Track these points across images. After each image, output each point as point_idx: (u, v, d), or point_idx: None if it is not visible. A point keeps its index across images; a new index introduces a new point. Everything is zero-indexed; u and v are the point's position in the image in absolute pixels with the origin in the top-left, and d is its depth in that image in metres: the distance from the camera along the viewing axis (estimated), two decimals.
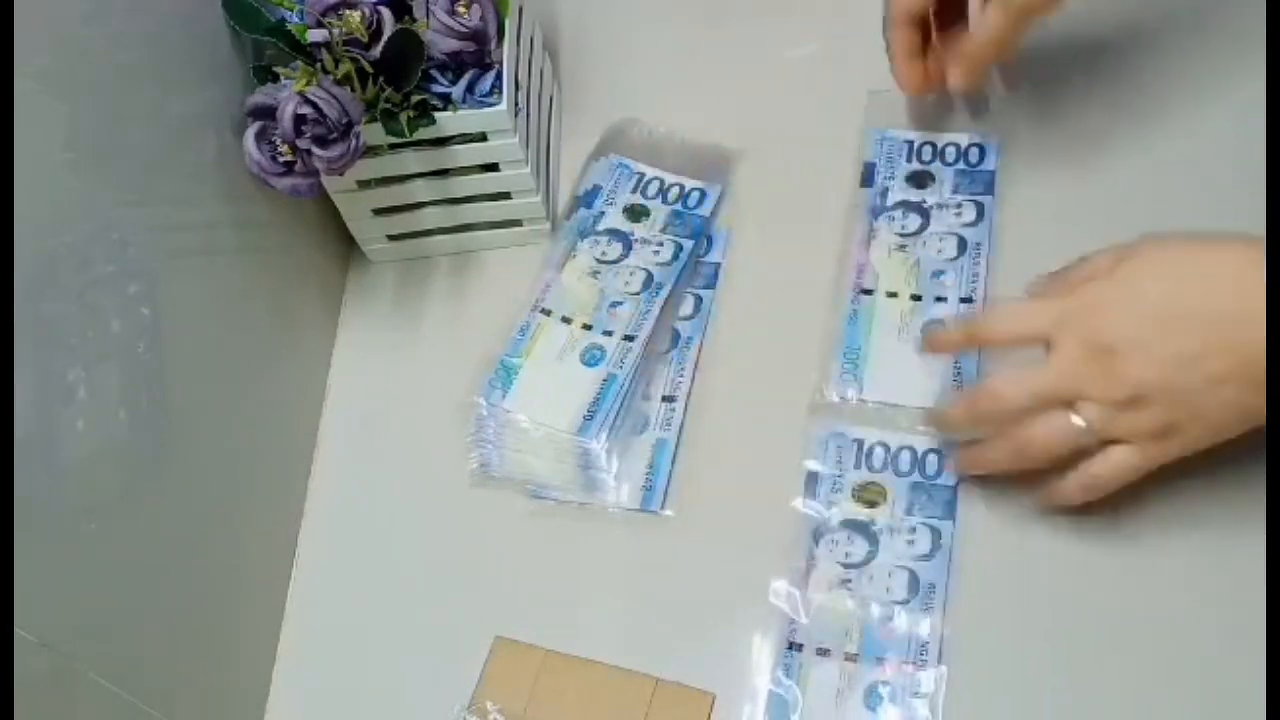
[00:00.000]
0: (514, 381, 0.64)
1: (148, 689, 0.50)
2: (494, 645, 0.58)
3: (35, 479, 0.44)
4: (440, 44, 0.63)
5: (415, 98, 0.62)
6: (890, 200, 0.68)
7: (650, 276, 0.67)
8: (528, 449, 0.63)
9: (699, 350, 0.65)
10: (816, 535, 0.58)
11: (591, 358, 0.65)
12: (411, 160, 0.65)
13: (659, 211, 0.71)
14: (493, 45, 0.64)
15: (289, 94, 0.57)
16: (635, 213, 0.71)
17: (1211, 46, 0.69)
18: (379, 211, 0.69)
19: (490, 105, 0.64)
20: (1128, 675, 0.52)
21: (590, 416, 0.62)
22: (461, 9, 0.63)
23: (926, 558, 0.56)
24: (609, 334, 0.65)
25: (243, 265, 0.63)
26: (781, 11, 0.78)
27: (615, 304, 0.67)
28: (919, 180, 0.68)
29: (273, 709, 0.59)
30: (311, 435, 0.67)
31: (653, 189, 0.72)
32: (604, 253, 0.69)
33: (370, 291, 0.73)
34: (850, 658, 0.54)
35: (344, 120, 0.58)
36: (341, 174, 0.60)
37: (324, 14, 0.59)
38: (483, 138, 0.65)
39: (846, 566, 0.57)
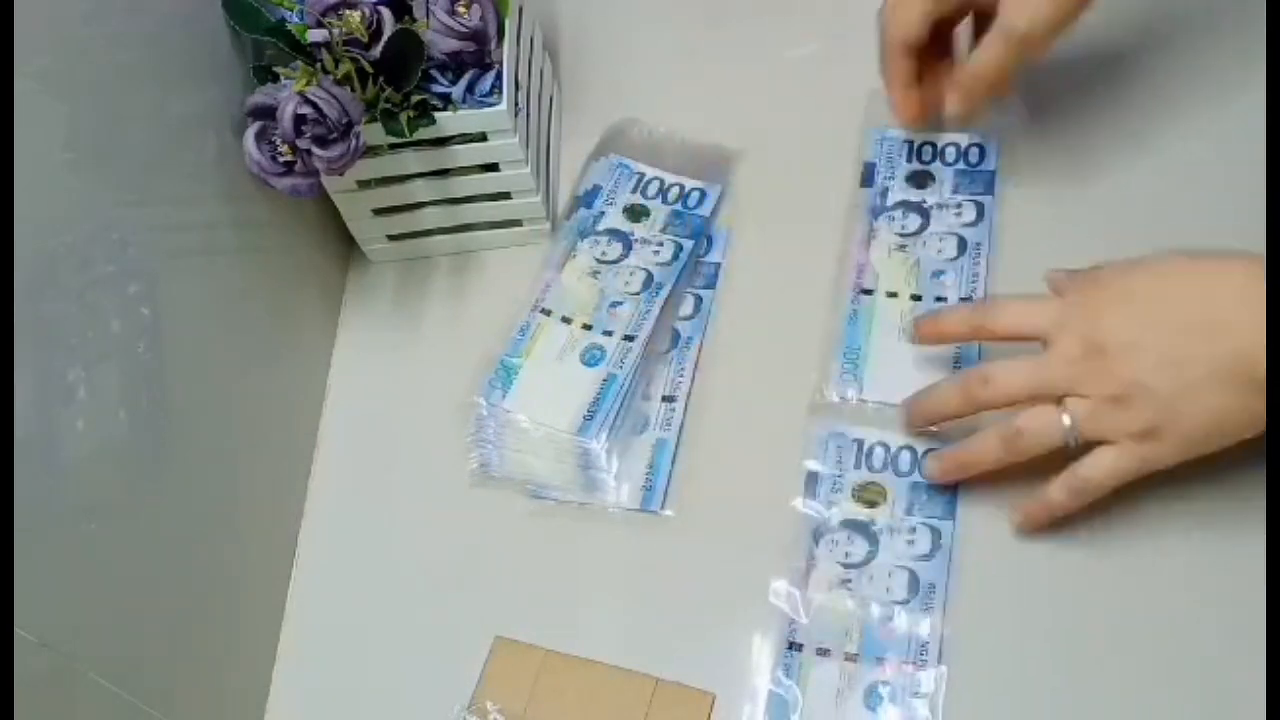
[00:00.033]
0: (514, 381, 0.64)
1: (148, 689, 0.50)
2: (494, 645, 0.58)
3: (35, 479, 0.44)
4: (440, 44, 0.63)
5: (415, 98, 0.62)
6: (890, 200, 0.68)
7: (650, 276, 0.68)
8: (528, 449, 0.63)
9: (699, 350, 0.65)
10: (816, 535, 0.58)
11: (591, 358, 0.65)
12: (411, 160, 0.65)
13: (659, 211, 0.71)
14: (493, 45, 0.64)
15: (289, 94, 0.57)
16: (635, 213, 0.71)
17: (1213, 46, 0.69)
18: (379, 211, 0.69)
19: (490, 105, 0.64)
20: (1128, 675, 0.52)
21: (590, 416, 0.62)
22: (461, 9, 0.63)
23: (926, 558, 0.56)
24: (609, 334, 0.66)
25: (243, 265, 0.63)
26: (781, 11, 0.78)
27: (615, 304, 0.67)
28: (919, 180, 0.68)
29: (273, 709, 0.59)
30: (311, 435, 0.67)
31: (653, 189, 0.72)
32: (604, 253, 0.69)
33: (370, 291, 0.73)
34: (850, 658, 0.54)
35: (344, 120, 0.58)
36: (341, 174, 0.60)
37: (324, 14, 0.59)
38: (483, 138, 0.65)
39: (846, 566, 0.57)
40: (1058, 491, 0.53)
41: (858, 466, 0.59)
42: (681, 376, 0.64)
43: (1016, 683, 0.53)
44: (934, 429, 0.59)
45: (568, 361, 0.65)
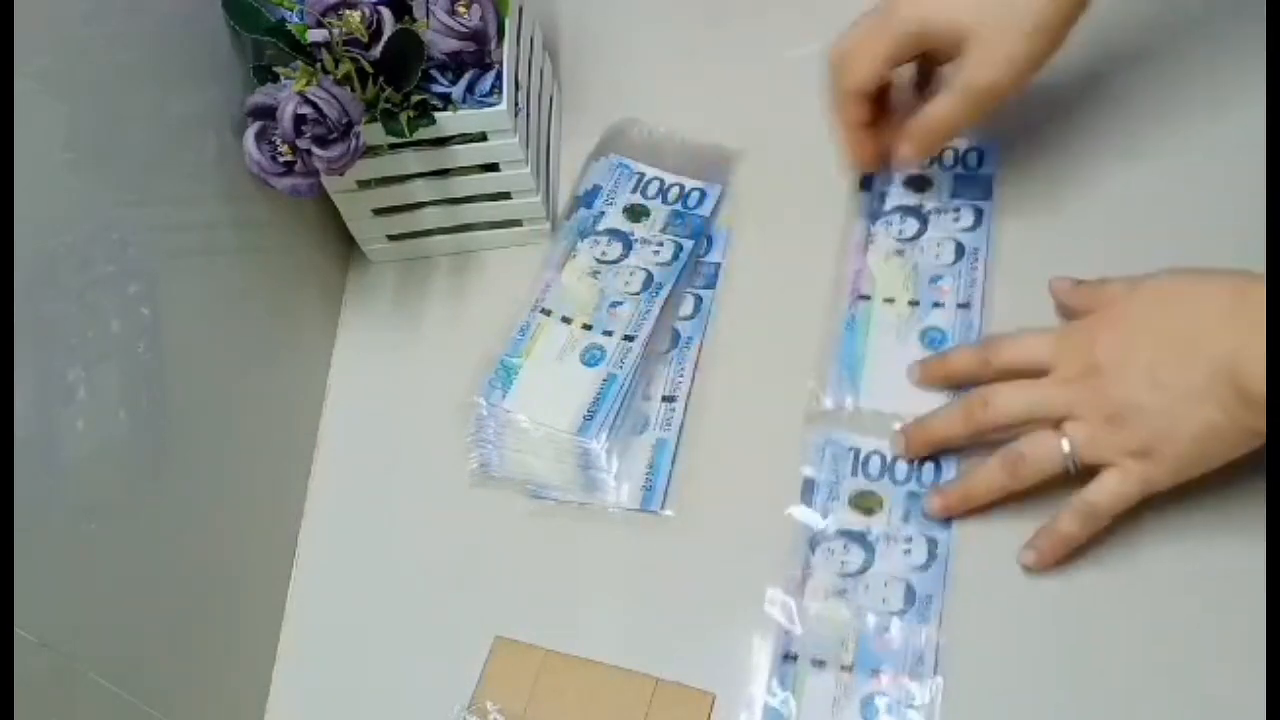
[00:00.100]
0: (514, 381, 0.64)
1: (148, 689, 0.50)
2: (494, 645, 0.58)
3: (35, 479, 0.44)
4: (440, 44, 0.63)
5: (415, 98, 0.62)
6: (888, 205, 0.68)
7: (650, 276, 0.67)
8: (528, 449, 0.63)
9: (699, 350, 0.65)
10: (813, 543, 0.57)
11: (591, 358, 0.65)
12: (411, 160, 0.65)
13: (659, 211, 0.71)
14: (493, 45, 0.64)
15: (289, 94, 0.57)
16: (635, 213, 0.71)
17: (1213, 53, 0.69)
18: (379, 211, 0.69)
19: (490, 105, 0.64)
20: (1125, 688, 0.52)
21: (590, 416, 0.62)
22: (461, 9, 0.63)
23: (923, 568, 0.56)
24: (609, 334, 0.65)
25: (243, 265, 0.63)
26: (781, 11, 0.78)
27: (615, 304, 0.67)
28: (917, 184, 0.68)
29: (273, 709, 0.59)
30: (311, 435, 0.67)
31: (653, 189, 0.72)
32: (604, 253, 0.69)
33: (370, 291, 0.73)
34: (846, 668, 0.54)
35: (344, 120, 0.58)
36: (341, 174, 0.60)
37: (324, 14, 0.59)
38: (483, 138, 0.65)
39: (843, 576, 0.56)
40: (1068, 522, 0.53)
41: (854, 474, 0.59)
42: (681, 376, 0.64)
43: (1013, 695, 0.53)
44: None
45: (568, 361, 0.65)
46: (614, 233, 0.70)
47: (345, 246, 0.73)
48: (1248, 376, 0.47)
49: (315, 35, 0.59)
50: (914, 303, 0.64)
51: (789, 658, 0.55)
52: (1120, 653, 0.53)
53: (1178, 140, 0.66)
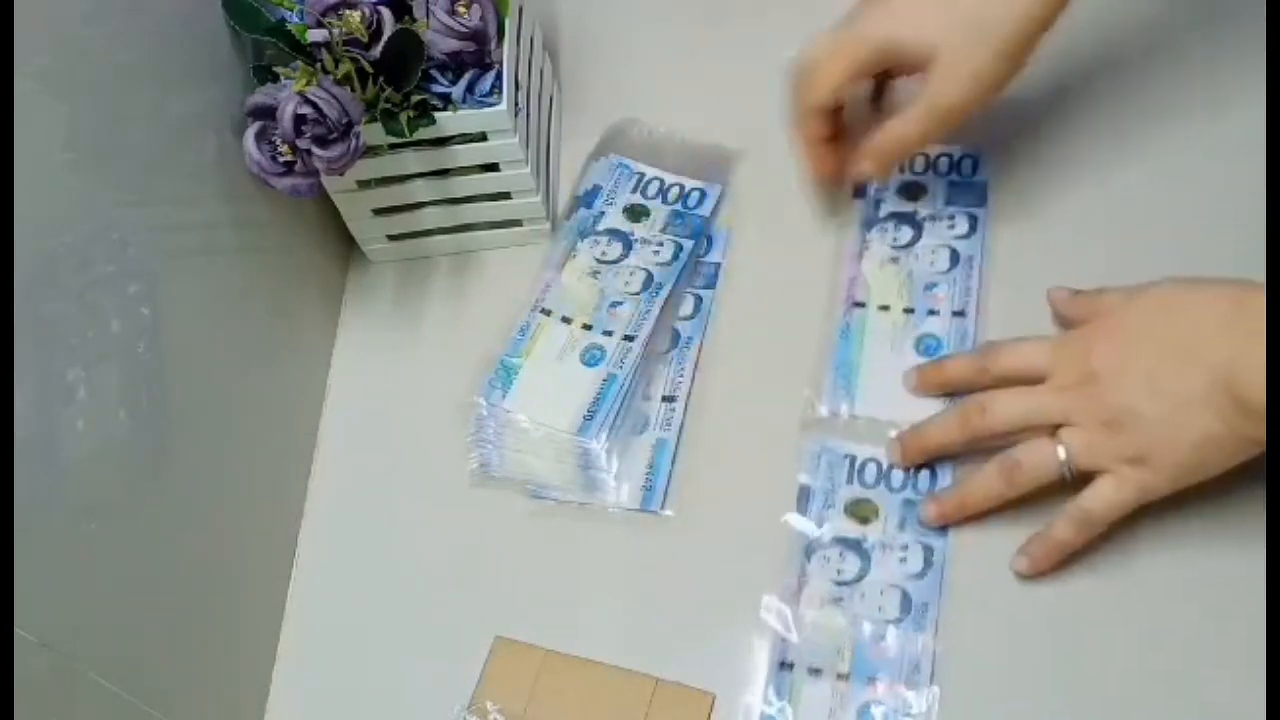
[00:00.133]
0: (514, 381, 0.64)
1: (148, 689, 0.50)
2: (494, 645, 0.58)
3: (35, 479, 0.44)
4: (440, 44, 0.63)
5: (415, 98, 0.62)
6: (883, 212, 0.67)
7: (650, 276, 0.67)
8: (528, 449, 0.63)
9: (699, 350, 0.65)
10: (809, 551, 0.57)
11: (591, 358, 0.65)
12: (411, 160, 0.65)
13: (659, 211, 0.71)
14: (493, 45, 0.64)
15: (289, 94, 0.57)
16: (635, 213, 0.71)
17: (1213, 53, 0.69)
18: (379, 211, 0.69)
19: (490, 105, 0.64)
20: (1122, 697, 0.52)
21: (590, 416, 0.62)
22: (461, 9, 0.63)
23: (919, 576, 0.56)
24: (609, 334, 0.65)
25: (243, 265, 0.63)
26: (781, 11, 0.78)
27: (615, 304, 0.67)
28: (911, 191, 0.68)
29: (273, 709, 0.59)
30: (311, 435, 0.67)
31: (653, 189, 0.72)
32: (604, 253, 0.69)
33: (370, 291, 0.73)
34: (842, 677, 0.54)
35: (344, 120, 0.58)
36: (341, 174, 0.60)
37: (324, 14, 0.59)
38: (483, 138, 0.65)
39: (838, 584, 0.56)
40: (1063, 529, 0.53)
41: (850, 482, 0.59)
42: (681, 376, 0.64)
43: (1010, 704, 0.53)
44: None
45: (568, 361, 0.65)
46: (614, 233, 0.70)
47: (345, 246, 0.73)
48: (1246, 385, 0.47)
49: (315, 35, 0.59)
50: (909, 310, 0.63)
51: (785, 666, 0.55)
52: (1117, 661, 0.53)
53: (1177, 142, 0.66)
